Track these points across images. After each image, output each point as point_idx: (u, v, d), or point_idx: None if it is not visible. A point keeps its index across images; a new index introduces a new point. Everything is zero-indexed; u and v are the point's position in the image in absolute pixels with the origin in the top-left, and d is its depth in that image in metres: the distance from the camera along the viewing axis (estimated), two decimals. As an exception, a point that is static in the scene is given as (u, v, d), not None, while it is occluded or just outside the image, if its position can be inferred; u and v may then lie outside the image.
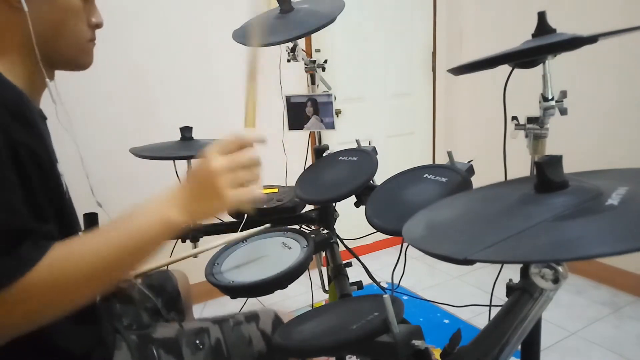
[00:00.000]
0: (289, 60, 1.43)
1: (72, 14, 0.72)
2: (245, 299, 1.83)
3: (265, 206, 1.54)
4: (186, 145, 1.50)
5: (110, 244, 0.61)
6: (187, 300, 1.23)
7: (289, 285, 0.97)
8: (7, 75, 0.67)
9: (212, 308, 2.18)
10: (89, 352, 0.79)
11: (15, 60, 0.69)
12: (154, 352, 0.88)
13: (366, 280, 1.28)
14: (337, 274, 1.25)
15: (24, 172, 0.61)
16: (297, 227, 1.26)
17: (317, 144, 1.74)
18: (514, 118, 0.90)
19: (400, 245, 1.06)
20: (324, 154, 1.42)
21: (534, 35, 0.82)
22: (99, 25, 0.78)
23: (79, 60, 0.77)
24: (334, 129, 1.42)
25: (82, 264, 0.59)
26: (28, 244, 0.57)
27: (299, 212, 1.54)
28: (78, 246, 0.61)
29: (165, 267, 0.97)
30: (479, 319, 2.13)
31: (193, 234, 1.66)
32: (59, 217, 0.69)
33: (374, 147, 1.27)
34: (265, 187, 1.76)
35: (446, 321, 2.21)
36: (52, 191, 0.68)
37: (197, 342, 0.92)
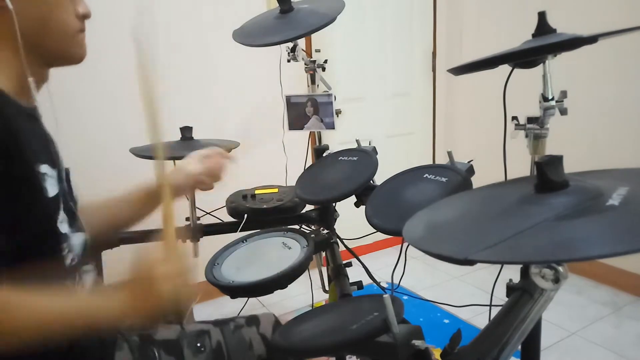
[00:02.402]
0: (289, 60, 1.43)
1: (56, 6, 0.71)
2: (246, 298, 1.83)
3: (265, 206, 1.54)
4: (186, 145, 1.50)
5: (60, 315, 0.64)
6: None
7: (289, 285, 0.97)
8: None
9: (212, 308, 2.18)
10: (89, 352, 0.79)
11: (3, 59, 0.69)
12: (155, 353, 0.88)
13: (366, 280, 1.28)
14: (337, 274, 1.25)
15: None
16: (297, 227, 1.26)
17: (317, 144, 1.74)
18: (514, 118, 0.90)
19: (400, 245, 1.06)
20: (324, 154, 1.42)
21: (534, 35, 0.82)
22: (86, 15, 0.77)
23: (70, 52, 0.76)
24: (334, 129, 1.42)
25: (30, 316, 0.62)
26: None
27: (299, 212, 1.54)
28: (29, 301, 0.62)
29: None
30: (479, 319, 2.13)
31: (193, 235, 1.66)
32: (29, 224, 0.67)
33: (374, 147, 1.27)
34: (266, 187, 1.76)
35: (446, 321, 2.21)
36: (21, 194, 0.65)
37: (198, 344, 0.92)
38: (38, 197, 0.68)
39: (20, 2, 0.67)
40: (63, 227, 0.72)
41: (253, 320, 1.01)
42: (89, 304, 0.69)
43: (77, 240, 0.76)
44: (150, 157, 1.40)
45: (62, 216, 0.72)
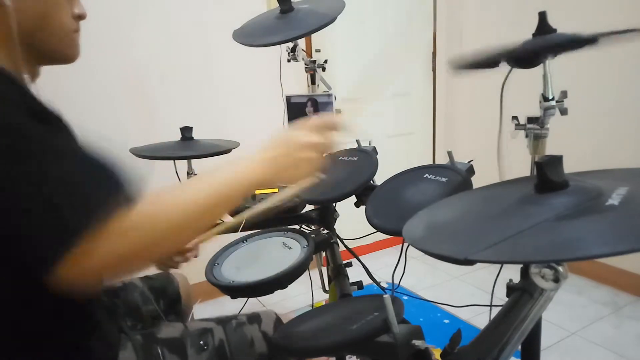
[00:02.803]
0: (289, 60, 1.43)
1: (55, 5, 0.71)
2: (246, 298, 1.83)
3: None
4: (186, 145, 1.50)
5: (206, 191, 0.64)
6: (187, 303, 1.23)
7: (289, 285, 0.97)
8: None
9: (212, 307, 2.18)
10: (93, 352, 0.79)
11: (1, 56, 0.69)
12: (159, 351, 0.88)
13: (366, 280, 1.28)
14: (337, 274, 1.25)
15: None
16: (297, 227, 1.26)
17: (317, 144, 1.74)
18: (514, 118, 0.90)
19: (400, 245, 1.06)
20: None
21: (534, 35, 0.82)
22: (81, 16, 0.77)
23: (65, 52, 0.76)
24: (334, 129, 1.42)
25: (172, 211, 0.61)
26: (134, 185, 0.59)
27: (299, 212, 1.54)
28: (169, 196, 0.63)
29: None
30: (479, 319, 2.13)
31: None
32: None
33: (374, 147, 1.27)
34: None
35: (446, 321, 2.21)
36: None
37: (202, 342, 0.92)
38: None
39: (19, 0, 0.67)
40: None
41: (255, 318, 1.01)
42: (227, 178, 0.67)
43: None
44: (150, 157, 1.40)
45: None
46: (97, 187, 0.58)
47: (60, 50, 0.75)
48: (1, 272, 0.60)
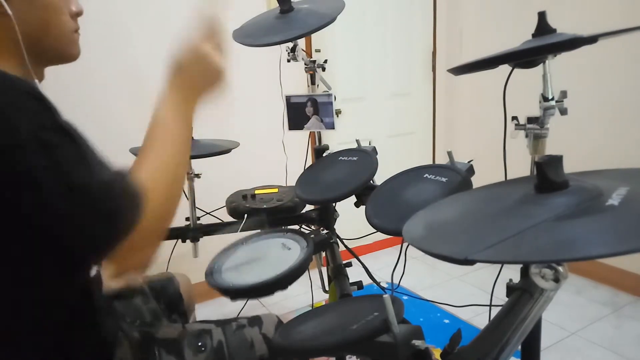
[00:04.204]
0: (289, 60, 1.43)
1: (53, 8, 0.72)
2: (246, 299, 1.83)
3: (265, 206, 1.54)
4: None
5: (169, 141, 0.73)
6: (189, 303, 1.23)
7: (289, 286, 0.97)
8: None
9: (212, 308, 2.18)
10: (88, 350, 0.79)
11: (6, 65, 0.69)
12: (155, 351, 0.88)
13: (366, 280, 1.28)
14: (337, 274, 1.25)
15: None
16: (296, 227, 1.26)
17: (317, 144, 1.74)
18: (514, 118, 0.90)
19: (400, 245, 1.06)
20: (324, 154, 1.42)
21: (534, 35, 0.82)
22: (79, 14, 0.78)
23: (68, 52, 0.77)
24: (334, 129, 1.42)
25: (162, 172, 0.70)
26: (135, 186, 0.64)
27: (299, 212, 1.54)
28: (148, 163, 0.70)
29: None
30: (479, 319, 2.13)
31: (193, 235, 1.66)
32: None
33: (374, 147, 1.27)
34: (266, 187, 1.76)
35: (446, 321, 2.21)
36: None
37: (199, 343, 0.92)
38: None
39: (18, 7, 0.67)
40: None
41: (255, 320, 1.01)
42: (166, 113, 0.74)
43: None
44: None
45: None
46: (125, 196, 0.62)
47: (63, 51, 0.76)
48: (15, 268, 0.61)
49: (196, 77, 0.77)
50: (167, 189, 0.70)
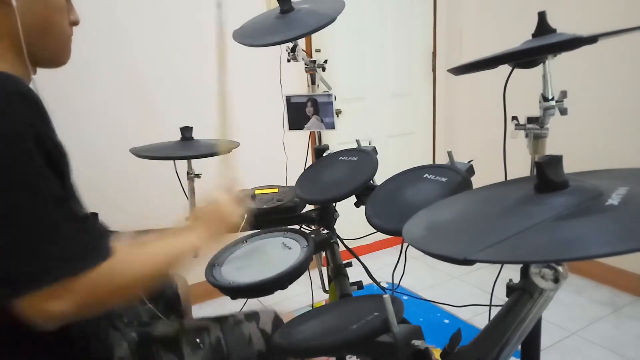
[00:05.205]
0: (289, 60, 1.43)
1: (57, 10, 0.73)
2: (246, 299, 1.83)
3: (265, 206, 1.54)
4: (186, 145, 1.50)
5: (161, 255, 0.76)
6: (186, 304, 1.23)
7: (289, 285, 0.97)
8: None
9: (212, 308, 2.18)
10: (87, 350, 0.79)
11: (1, 54, 0.69)
12: (154, 350, 0.88)
13: (366, 280, 1.28)
14: (337, 274, 1.25)
15: (58, 169, 0.65)
16: (297, 227, 1.26)
17: (317, 144, 1.74)
18: (514, 118, 0.90)
19: (400, 245, 1.06)
20: (324, 154, 1.42)
21: (534, 35, 0.82)
22: (76, 23, 0.80)
23: (61, 56, 0.78)
24: (334, 129, 1.42)
25: (135, 269, 0.72)
26: (107, 239, 0.68)
27: (299, 212, 1.54)
28: (132, 255, 0.73)
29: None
30: (479, 319, 2.13)
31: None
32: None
33: (374, 147, 1.27)
34: (266, 187, 1.76)
35: (446, 321, 2.21)
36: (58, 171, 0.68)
37: (198, 340, 0.92)
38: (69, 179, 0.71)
39: (25, 1, 0.67)
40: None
41: (253, 315, 1.01)
42: (175, 245, 0.79)
43: None
44: (150, 157, 1.40)
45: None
46: (79, 237, 0.64)
47: (57, 53, 0.77)
48: None
49: (213, 225, 0.87)
50: (138, 278, 0.72)
